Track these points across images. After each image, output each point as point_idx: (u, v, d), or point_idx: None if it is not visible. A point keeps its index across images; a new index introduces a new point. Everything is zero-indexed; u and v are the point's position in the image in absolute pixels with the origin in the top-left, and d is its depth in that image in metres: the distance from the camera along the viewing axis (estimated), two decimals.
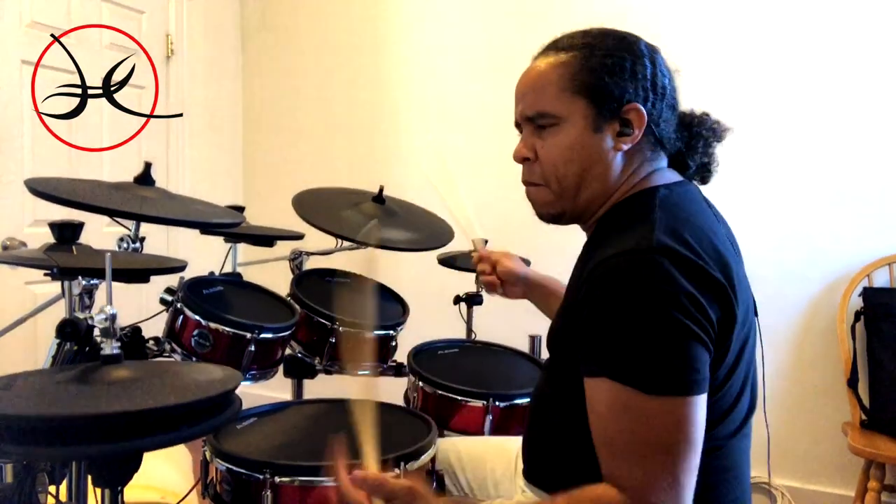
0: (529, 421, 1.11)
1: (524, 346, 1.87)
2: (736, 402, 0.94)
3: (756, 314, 1.01)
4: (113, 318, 0.92)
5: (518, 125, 1.09)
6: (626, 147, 1.00)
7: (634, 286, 0.85)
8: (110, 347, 0.92)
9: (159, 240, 2.90)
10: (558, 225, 1.09)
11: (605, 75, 0.98)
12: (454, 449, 1.36)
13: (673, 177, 1.03)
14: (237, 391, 0.93)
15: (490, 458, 1.31)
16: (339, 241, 1.81)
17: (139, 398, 0.83)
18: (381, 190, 1.84)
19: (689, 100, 1.09)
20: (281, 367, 1.61)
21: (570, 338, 0.93)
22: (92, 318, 0.98)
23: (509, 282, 1.47)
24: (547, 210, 1.07)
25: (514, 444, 1.33)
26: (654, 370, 0.84)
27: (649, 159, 1.02)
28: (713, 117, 1.09)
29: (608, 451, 0.88)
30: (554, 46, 1.05)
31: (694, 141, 1.07)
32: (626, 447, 0.86)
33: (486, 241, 1.58)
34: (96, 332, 0.99)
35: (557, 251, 2.62)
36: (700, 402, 0.85)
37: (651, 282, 0.84)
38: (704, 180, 1.11)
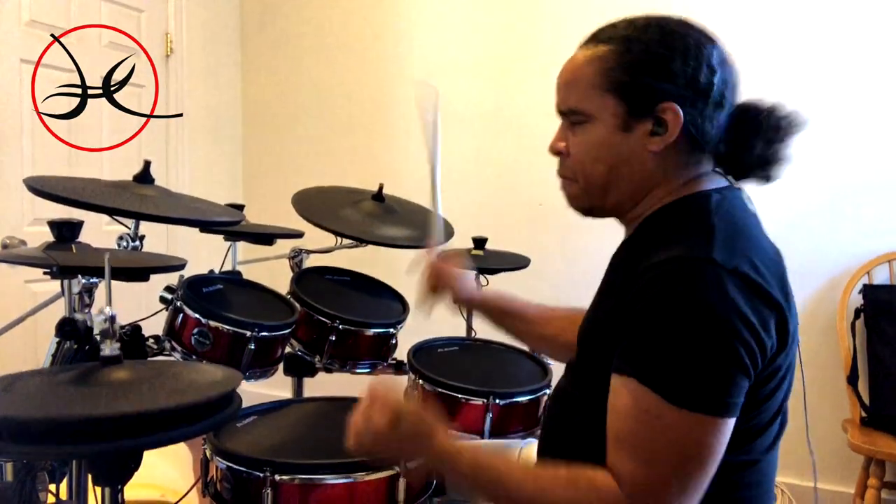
0: (548, 422, 1.09)
1: (524, 345, 1.87)
2: (774, 418, 0.93)
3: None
4: (112, 319, 0.92)
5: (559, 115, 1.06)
6: (657, 148, 0.95)
7: (692, 297, 0.82)
8: (110, 349, 0.92)
9: (159, 238, 2.91)
10: (592, 217, 1.06)
11: (640, 73, 0.93)
12: None
13: (721, 181, 0.99)
14: (237, 389, 0.93)
15: None
16: (339, 239, 1.81)
17: (138, 400, 0.83)
18: (380, 188, 1.84)
19: None
20: (281, 366, 1.61)
21: (607, 335, 0.91)
22: (91, 318, 0.98)
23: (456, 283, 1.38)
24: (576, 203, 1.05)
25: (514, 445, 1.33)
26: (686, 383, 0.82)
27: (693, 161, 0.98)
28: (784, 109, 0.98)
29: (618, 446, 0.87)
30: (595, 37, 1.00)
31: (752, 137, 0.97)
32: (636, 448, 0.85)
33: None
34: (96, 331, 0.99)
35: (557, 251, 2.63)
36: (724, 427, 0.83)
37: (710, 297, 0.82)
38: (768, 179, 1.00)
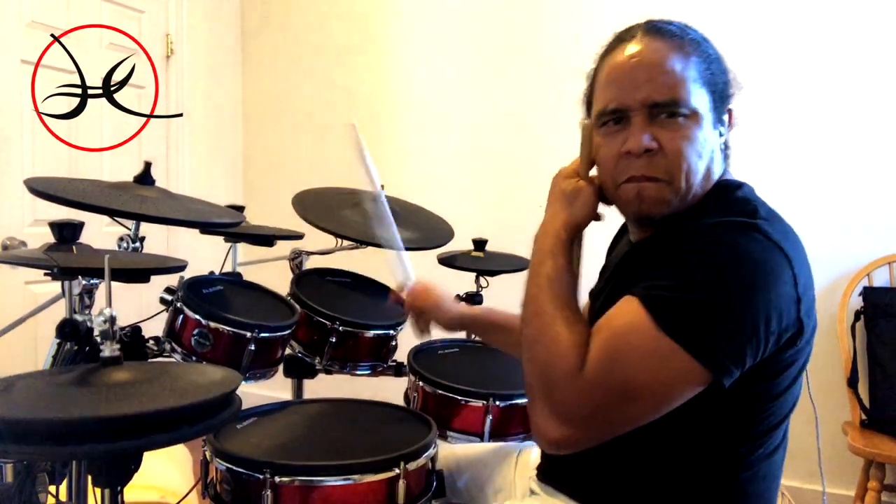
0: None
1: (514, 355, 1.87)
2: (790, 412, 0.94)
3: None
4: (112, 319, 0.92)
5: (614, 112, 0.95)
6: (723, 146, 0.99)
7: (735, 248, 0.83)
8: (110, 350, 0.92)
9: (159, 239, 2.91)
10: (644, 226, 1.02)
11: (722, 72, 0.97)
12: (452, 454, 1.36)
13: (735, 178, 1.02)
14: (237, 391, 0.93)
15: (489, 463, 1.31)
16: (339, 240, 1.81)
17: (138, 401, 0.83)
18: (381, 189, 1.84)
19: None
20: (281, 367, 1.61)
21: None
22: (92, 319, 0.98)
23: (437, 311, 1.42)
24: (659, 210, 0.94)
25: (512, 448, 1.33)
26: (686, 319, 0.81)
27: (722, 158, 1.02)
28: None
29: (597, 331, 0.88)
30: (656, 31, 0.96)
31: None
32: (610, 344, 0.86)
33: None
34: (96, 332, 0.99)
35: None
36: (699, 377, 0.82)
37: (754, 255, 0.82)
38: None
